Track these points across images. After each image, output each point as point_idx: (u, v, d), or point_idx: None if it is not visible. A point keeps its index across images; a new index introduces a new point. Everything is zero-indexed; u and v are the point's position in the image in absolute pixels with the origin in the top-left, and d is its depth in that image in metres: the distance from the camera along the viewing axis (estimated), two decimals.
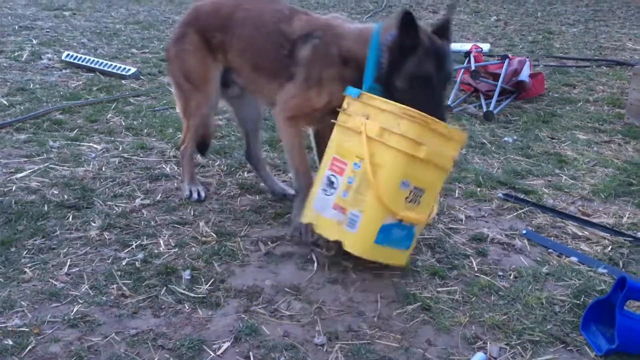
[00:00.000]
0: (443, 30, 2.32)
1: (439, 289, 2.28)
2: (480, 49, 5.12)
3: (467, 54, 4.62)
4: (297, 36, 2.51)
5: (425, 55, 2.23)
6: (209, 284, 2.25)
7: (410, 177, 2.20)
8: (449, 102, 4.26)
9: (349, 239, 2.25)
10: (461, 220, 2.80)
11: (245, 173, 3.21)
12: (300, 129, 2.62)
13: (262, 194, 2.99)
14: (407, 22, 2.21)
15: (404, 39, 2.23)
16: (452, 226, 2.74)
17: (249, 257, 2.45)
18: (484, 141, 3.75)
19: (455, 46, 5.96)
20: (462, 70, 4.52)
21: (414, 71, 2.23)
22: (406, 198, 2.22)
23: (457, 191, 3.07)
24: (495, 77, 4.48)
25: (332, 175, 2.30)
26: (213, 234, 2.59)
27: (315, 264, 2.41)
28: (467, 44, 5.82)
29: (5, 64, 5.05)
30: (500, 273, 2.39)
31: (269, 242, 2.56)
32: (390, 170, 2.19)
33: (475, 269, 2.41)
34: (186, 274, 2.30)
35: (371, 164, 2.17)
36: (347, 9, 8.12)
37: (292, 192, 2.91)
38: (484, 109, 4.18)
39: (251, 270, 2.37)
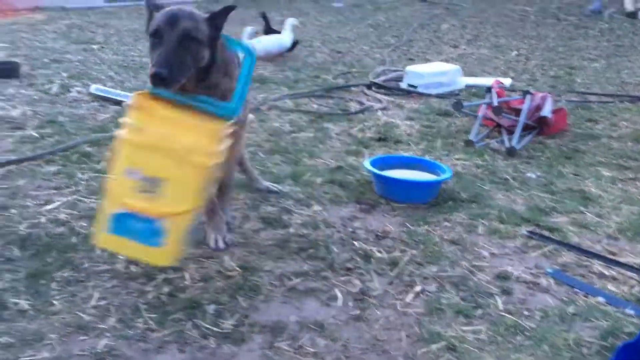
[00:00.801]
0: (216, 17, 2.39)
1: (464, 328, 2.26)
2: (502, 84, 5.14)
3: (489, 89, 4.65)
4: None
5: (156, 17, 2.33)
6: (234, 319, 2.27)
7: (137, 165, 2.18)
8: (470, 137, 4.28)
9: (94, 235, 2.33)
10: (485, 257, 2.79)
11: (269, 207, 3.24)
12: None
13: (286, 228, 3.01)
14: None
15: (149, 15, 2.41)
16: (476, 263, 2.73)
17: (273, 292, 2.46)
18: (507, 177, 3.75)
19: (477, 81, 6.01)
20: (485, 105, 4.55)
21: (148, 31, 2.34)
22: (136, 188, 2.19)
23: (480, 227, 3.07)
24: (518, 112, 4.49)
25: None
26: (237, 268, 2.61)
27: (339, 300, 2.42)
28: (489, 78, 5.86)
29: (35, 97, 5.18)
30: (526, 313, 2.37)
31: (293, 277, 2.57)
32: (117, 159, 2.22)
33: (501, 308, 2.39)
34: (211, 309, 2.32)
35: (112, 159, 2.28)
36: (368, 43, 8.22)
37: (275, 189, 3.40)
38: (507, 145, 4.19)
39: (275, 305, 2.38)
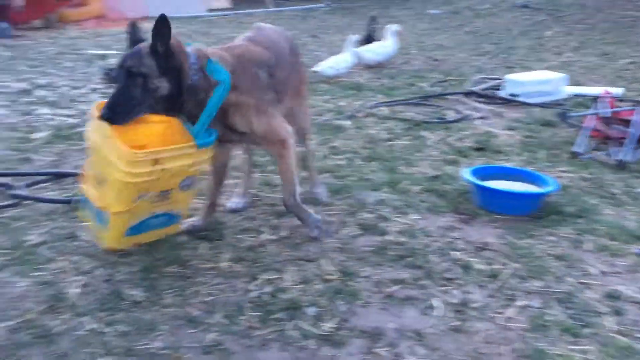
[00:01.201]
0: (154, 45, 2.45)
1: (571, 347, 2.17)
2: (612, 94, 4.89)
3: (596, 98, 4.43)
4: None
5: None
6: (334, 322, 2.31)
7: (91, 160, 2.65)
8: (576, 149, 4.10)
9: (100, 236, 2.76)
10: (593, 275, 2.66)
11: (366, 214, 3.26)
12: None
13: (384, 235, 3.02)
14: None
15: None
16: (584, 281, 2.61)
17: (371, 298, 2.48)
18: (616, 191, 3.56)
19: (583, 90, 5.74)
20: (592, 116, 4.34)
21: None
22: (152, 202, 2.64)
23: (587, 244, 2.93)
24: (627, 123, 4.25)
25: None
26: (336, 273, 2.65)
27: (438, 310, 2.39)
28: (597, 88, 5.58)
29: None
30: (639, 335, 2.24)
31: (391, 285, 2.57)
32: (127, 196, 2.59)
33: (611, 329, 2.27)
34: (311, 311, 2.37)
35: None
36: (466, 50, 8.08)
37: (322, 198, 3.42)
38: (616, 157, 3.97)
39: (374, 311, 2.39)
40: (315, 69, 6.39)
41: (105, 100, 2.51)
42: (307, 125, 3.46)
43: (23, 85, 5.81)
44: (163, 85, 2.48)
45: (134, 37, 3.18)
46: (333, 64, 6.47)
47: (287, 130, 2.88)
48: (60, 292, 2.42)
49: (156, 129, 2.58)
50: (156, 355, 2.08)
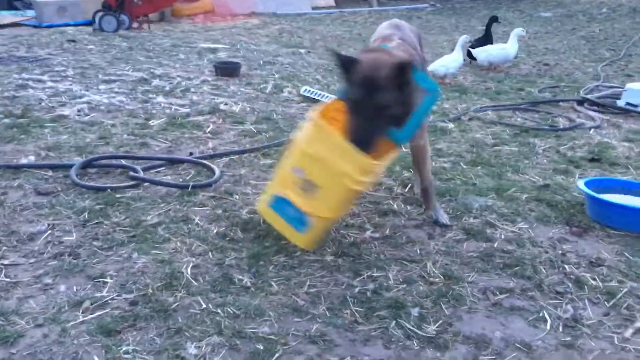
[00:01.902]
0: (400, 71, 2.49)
1: None
2: None
3: None
4: None
5: (352, 83, 2.52)
6: (437, 325, 2.28)
7: (302, 166, 2.64)
8: None
9: (258, 202, 2.92)
10: None
11: (471, 219, 3.20)
12: None
13: (490, 242, 2.95)
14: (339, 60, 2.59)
15: (343, 72, 2.60)
16: None
17: (476, 304, 2.43)
18: None
19: None
20: None
21: (345, 98, 2.60)
22: (297, 183, 2.65)
23: None
24: None
25: None
26: (440, 276, 2.62)
27: (548, 324, 2.31)
28: None
29: (253, 95, 5.69)
30: None
31: (497, 293, 2.51)
32: (291, 154, 2.73)
33: None
34: (414, 311, 2.36)
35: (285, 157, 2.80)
36: (579, 56, 7.70)
37: (443, 221, 3.14)
38: None
39: (479, 318, 2.34)
40: (428, 68, 6.36)
41: (319, 106, 2.76)
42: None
43: (141, 75, 6.16)
44: (402, 111, 2.59)
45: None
46: (444, 62, 6.39)
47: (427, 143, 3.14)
48: (176, 270, 2.55)
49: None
50: (264, 339, 2.15)
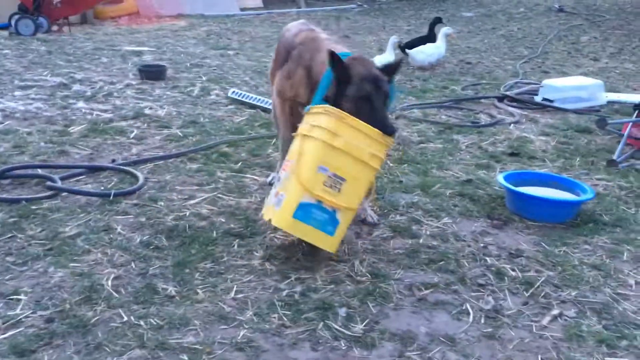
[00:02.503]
0: (390, 68, 2.93)
1: (607, 359, 2.13)
2: None
3: (637, 106, 4.34)
4: (295, 44, 3.22)
5: (361, 81, 2.73)
6: (364, 323, 2.30)
7: (328, 163, 2.59)
8: (614, 157, 4.02)
9: (275, 215, 2.66)
10: (631, 286, 2.61)
11: (398, 216, 3.25)
12: (282, 100, 3.27)
13: (416, 238, 3.00)
14: (334, 60, 2.72)
15: (338, 74, 2.75)
16: (621, 291, 2.56)
17: (402, 301, 2.47)
18: None
19: (621, 97, 5.62)
20: (631, 124, 4.25)
21: (355, 94, 2.72)
22: (324, 182, 2.59)
23: (625, 254, 2.87)
24: None
25: (282, 172, 2.77)
26: (367, 274, 2.64)
27: (471, 316, 2.37)
28: (636, 95, 5.46)
29: (179, 98, 5.56)
30: None
31: (423, 288, 2.56)
32: (310, 155, 2.61)
33: None
34: (342, 311, 2.37)
35: (298, 153, 2.63)
36: (499, 54, 7.98)
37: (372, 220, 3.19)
38: None
39: (405, 314, 2.38)
40: (408, 51, 6.56)
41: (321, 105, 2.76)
42: None
43: (60, 80, 5.90)
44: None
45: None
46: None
47: None
48: (96, 283, 2.46)
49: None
50: (188, 349, 2.10)
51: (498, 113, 5.29)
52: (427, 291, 2.54)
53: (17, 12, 8.83)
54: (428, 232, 3.06)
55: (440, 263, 2.75)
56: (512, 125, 4.95)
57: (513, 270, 2.71)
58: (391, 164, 4.02)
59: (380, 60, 6.49)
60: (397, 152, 4.25)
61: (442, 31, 7.06)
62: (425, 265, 2.74)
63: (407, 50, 7.14)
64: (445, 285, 2.58)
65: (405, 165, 4.02)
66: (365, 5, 13.33)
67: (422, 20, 11.02)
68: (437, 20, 7.60)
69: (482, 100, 5.71)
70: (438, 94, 6.03)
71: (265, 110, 5.24)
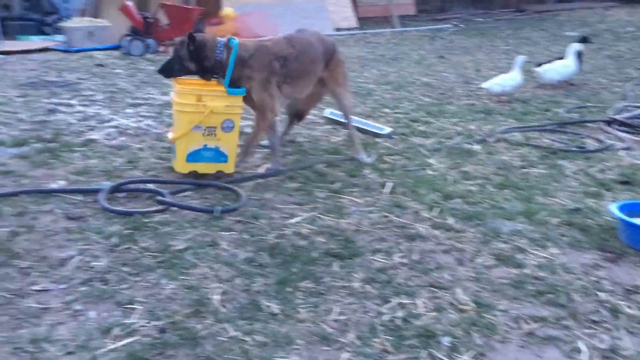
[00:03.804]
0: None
1: None
2: None
3: None
4: None
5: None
6: (470, 355, 2.24)
7: (200, 123, 3.79)
8: None
9: (174, 164, 4.00)
10: None
11: (501, 243, 3.15)
12: None
13: (520, 267, 2.89)
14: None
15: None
16: None
17: (509, 333, 2.38)
18: None
19: None
20: None
21: None
22: (203, 134, 3.82)
23: None
24: None
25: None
26: (471, 303, 2.58)
27: (584, 354, 2.24)
28: None
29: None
30: None
31: (531, 321, 2.45)
32: (181, 122, 3.85)
33: None
34: (445, 340, 2.31)
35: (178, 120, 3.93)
36: (606, 75, 7.61)
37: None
38: None
39: (513, 348, 2.29)
40: (483, 85, 6.49)
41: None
42: (347, 104, 4.53)
43: (167, 98, 6.22)
44: (191, 65, 3.91)
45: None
46: (500, 81, 6.40)
47: (272, 109, 4.03)
48: (204, 297, 2.55)
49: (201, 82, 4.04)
50: None
51: (606, 138, 5.03)
52: (535, 325, 2.43)
53: (128, 34, 9.44)
54: (534, 262, 2.94)
55: (549, 296, 2.64)
56: (622, 151, 4.69)
57: (629, 307, 2.55)
58: (492, 189, 3.91)
59: (506, 79, 6.41)
60: (498, 177, 4.14)
61: (573, 47, 6.79)
62: (532, 297, 2.64)
63: (534, 68, 6.96)
64: (556, 319, 2.47)
65: (507, 190, 3.90)
66: (461, 25, 13.16)
67: (520, 40, 10.73)
68: (584, 40, 7.21)
69: (589, 124, 5.45)
70: (540, 117, 5.83)
71: (361, 131, 5.27)
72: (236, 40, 3.92)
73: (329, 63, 4.31)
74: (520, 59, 6.49)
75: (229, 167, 3.95)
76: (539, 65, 7.01)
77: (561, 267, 2.89)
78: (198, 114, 3.76)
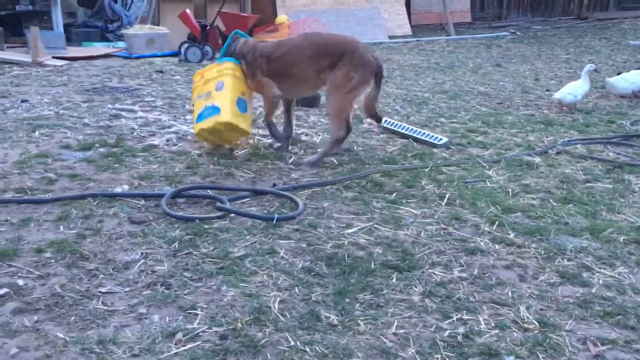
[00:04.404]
0: None
1: None
2: None
3: None
4: None
5: None
6: None
7: (200, 92, 4.68)
8: None
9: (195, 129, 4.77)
10: None
11: (565, 260, 3.05)
12: None
13: (587, 286, 2.80)
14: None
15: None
16: None
17: (576, 355, 2.30)
18: None
19: None
20: None
21: None
22: (205, 99, 4.59)
23: None
24: None
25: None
26: (535, 322, 2.50)
27: None
28: None
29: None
30: None
31: (599, 344, 2.37)
32: (195, 94, 4.83)
33: None
34: None
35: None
36: None
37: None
38: None
39: None
40: (556, 96, 6.38)
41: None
42: (330, 111, 4.62)
43: None
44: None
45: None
46: (572, 90, 6.27)
47: (267, 91, 4.71)
48: (264, 305, 2.57)
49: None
50: None
51: None
52: (603, 347, 2.35)
53: (186, 41, 9.67)
54: (601, 281, 2.84)
55: (618, 317, 2.54)
56: None
57: None
58: (554, 203, 3.80)
59: (576, 87, 6.27)
60: (560, 191, 4.02)
61: None
62: (600, 318, 2.54)
63: (606, 79, 6.79)
64: (625, 342, 2.37)
65: (571, 205, 3.78)
66: (518, 33, 12.90)
67: (583, 48, 10.41)
68: None
69: None
70: (603, 129, 5.65)
71: (416, 140, 5.22)
72: (244, 37, 4.93)
73: (335, 66, 4.47)
74: (587, 67, 6.31)
75: (222, 117, 4.43)
76: (617, 74, 6.86)
77: (630, 288, 2.78)
78: (200, 86, 4.69)
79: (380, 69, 4.57)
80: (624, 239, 3.27)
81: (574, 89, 6.22)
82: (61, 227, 3.27)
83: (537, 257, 3.10)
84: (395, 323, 2.50)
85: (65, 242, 3.07)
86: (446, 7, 13.35)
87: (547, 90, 7.68)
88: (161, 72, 8.44)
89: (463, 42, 12.05)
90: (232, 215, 3.51)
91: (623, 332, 2.45)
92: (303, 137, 5.22)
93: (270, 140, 4.98)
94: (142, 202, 3.66)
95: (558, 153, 4.88)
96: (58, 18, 10.24)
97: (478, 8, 15.10)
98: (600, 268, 2.97)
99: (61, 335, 2.33)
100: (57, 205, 3.55)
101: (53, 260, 2.91)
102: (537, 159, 4.71)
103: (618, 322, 2.51)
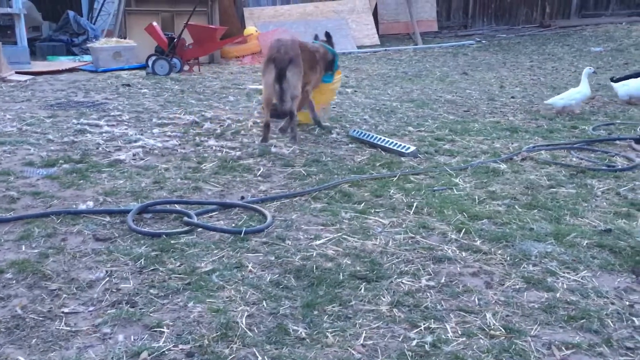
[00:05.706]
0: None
1: None
2: None
3: None
4: None
5: None
6: None
7: None
8: None
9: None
10: None
11: (530, 266, 3.10)
12: None
13: (552, 291, 2.84)
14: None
15: None
16: None
17: None
18: None
19: None
20: None
21: None
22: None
23: None
24: None
25: None
26: (501, 328, 2.53)
27: None
28: None
29: (302, 136, 5.73)
30: None
31: (563, 348, 2.40)
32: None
33: None
34: None
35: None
36: None
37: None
38: None
39: None
40: (546, 102, 6.59)
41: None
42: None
43: (192, 118, 6.30)
44: None
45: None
46: (565, 96, 6.44)
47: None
48: (231, 320, 2.54)
49: None
50: None
51: (636, 156, 4.94)
52: (568, 352, 2.38)
53: (153, 54, 9.60)
54: (565, 286, 2.89)
55: (582, 321, 2.58)
56: None
57: None
58: (520, 209, 3.86)
59: (575, 91, 6.38)
60: (525, 197, 4.09)
61: None
62: (564, 323, 2.58)
63: (612, 84, 6.93)
64: (589, 346, 2.41)
65: (536, 210, 3.84)
66: (483, 41, 13.12)
67: (546, 55, 10.63)
68: None
69: (618, 142, 5.37)
70: (567, 134, 5.77)
71: (385, 149, 5.26)
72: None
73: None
74: (586, 70, 6.45)
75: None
76: (617, 80, 7.05)
77: (593, 291, 2.83)
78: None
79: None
80: (587, 243, 3.33)
81: (568, 94, 6.41)
82: (23, 247, 3.20)
83: (503, 264, 3.14)
84: (364, 334, 2.49)
85: (27, 262, 3.00)
86: (413, 16, 13.52)
87: (512, 97, 7.81)
88: (128, 85, 8.35)
89: (430, 51, 12.20)
90: (200, 229, 3.48)
91: (587, 335, 2.48)
92: (272, 149, 5.21)
93: (239, 153, 4.96)
94: (108, 218, 3.60)
95: (523, 159, 4.96)
96: (22, 32, 10.08)
97: (444, 17, 15.33)
98: (564, 272, 3.01)
99: (22, 359, 2.27)
100: (19, 224, 3.48)
101: (14, 281, 2.84)
102: (503, 166, 4.78)
103: (582, 326, 2.55)
